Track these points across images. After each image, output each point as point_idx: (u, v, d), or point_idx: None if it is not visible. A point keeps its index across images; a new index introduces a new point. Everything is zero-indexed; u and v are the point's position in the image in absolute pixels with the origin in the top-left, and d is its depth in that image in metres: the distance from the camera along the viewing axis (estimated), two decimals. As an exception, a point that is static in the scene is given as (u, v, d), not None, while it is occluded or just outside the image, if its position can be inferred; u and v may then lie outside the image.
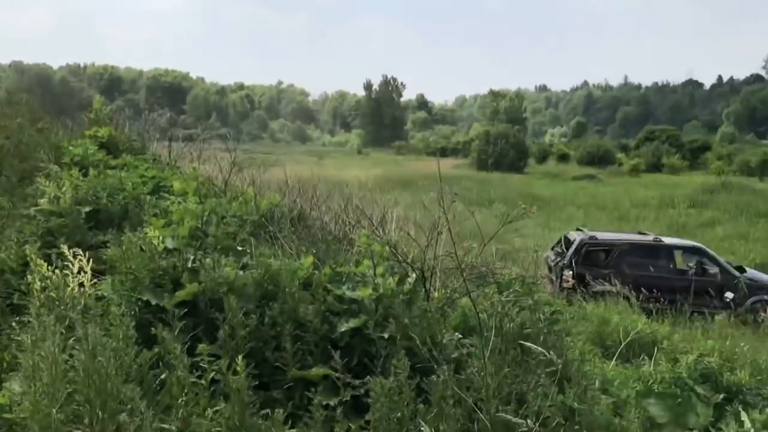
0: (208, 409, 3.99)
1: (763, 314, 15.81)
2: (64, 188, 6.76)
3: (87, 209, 6.74)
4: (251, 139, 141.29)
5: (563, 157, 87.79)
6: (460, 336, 5.01)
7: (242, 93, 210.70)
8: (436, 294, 5.87)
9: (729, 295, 17.29)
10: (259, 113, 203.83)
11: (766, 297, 17.36)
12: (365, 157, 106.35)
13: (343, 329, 4.69)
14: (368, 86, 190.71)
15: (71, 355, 4.08)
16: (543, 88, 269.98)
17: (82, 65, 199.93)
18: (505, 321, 4.95)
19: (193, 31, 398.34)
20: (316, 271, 5.27)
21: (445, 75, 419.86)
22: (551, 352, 4.42)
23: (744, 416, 5.33)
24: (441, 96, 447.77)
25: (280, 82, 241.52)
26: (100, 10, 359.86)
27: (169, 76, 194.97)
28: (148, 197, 7.25)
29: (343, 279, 5.29)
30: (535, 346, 4.46)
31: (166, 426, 3.87)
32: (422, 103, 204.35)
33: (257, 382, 4.17)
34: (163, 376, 4.29)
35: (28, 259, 5.14)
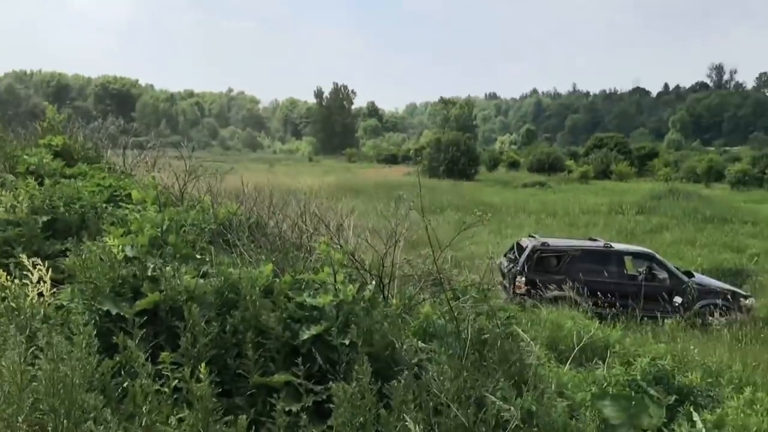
0: (172, 416, 4.00)
1: (710, 318, 16.18)
2: (20, 197, 6.71)
3: (44, 218, 6.69)
4: (201, 146, 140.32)
5: (513, 165, 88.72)
6: (420, 341, 5.10)
7: (192, 100, 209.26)
8: (394, 301, 5.95)
9: (678, 299, 17.64)
10: (209, 121, 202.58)
11: (713, 301, 17.72)
12: (316, 164, 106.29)
13: (305, 336, 4.73)
14: (319, 94, 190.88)
15: (32, 364, 4.08)
16: (493, 96, 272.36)
17: (28, 72, 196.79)
18: (463, 326, 5.04)
19: (142, 39, 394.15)
20: (276, 279, 5.30)
21: (395, 83, 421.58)
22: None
23: (696, 417, 5.49)
24: (391, 103, 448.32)
25: (230, 90, 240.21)
26: (47, 16, 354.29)
27: (118, 83, 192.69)
28: (106, 206, 7.23)
29: (303, 286, 5.35)
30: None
31: (130, 434, 3.89)
32: (373, 111, 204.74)
33: (220, 390, 4.20)
34: (125, 385, 4.30)
35: (-14, 268, 5.11)
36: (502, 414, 4.23)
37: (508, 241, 23.05)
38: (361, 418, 3.94)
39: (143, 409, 4.05)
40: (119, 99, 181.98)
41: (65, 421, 3.76)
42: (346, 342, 4.66)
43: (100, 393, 3.98)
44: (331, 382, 4.20)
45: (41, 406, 3.83)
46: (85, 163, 8.97)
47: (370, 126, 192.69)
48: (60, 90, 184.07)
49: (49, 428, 3.80)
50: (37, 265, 5.00)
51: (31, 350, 4.17)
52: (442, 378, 4.38)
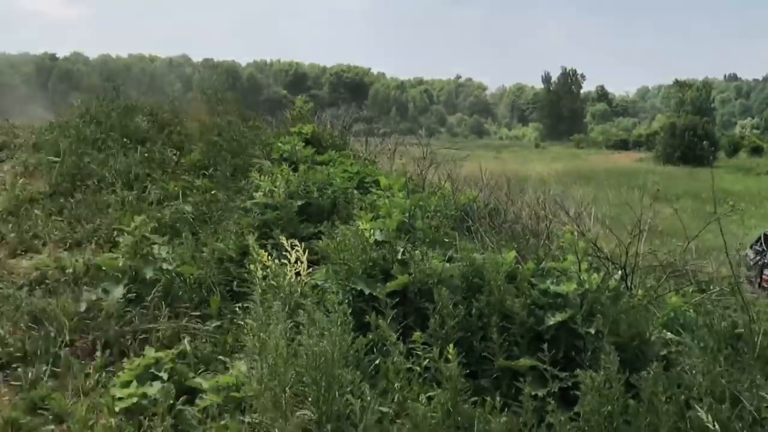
0: (422, 394, 4.16)
1: None
2: (277, 183, 7.19)
3: (299, 203, 7.15)
4: (430, 133, 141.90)
5: (756, 150, 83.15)
6: (669, 333, 4.98)
7: (421, 88, 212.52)
8: (638, 291, 5.83)
9: None
10: (438, 108, 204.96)
11: None
12: (543, 150, 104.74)
13: (550, 323, 4.77)
14: (547, 79, 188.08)
15: (292, 339, 4.38)
16: (733, 77, 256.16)
17: (268, 62, 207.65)
18: (715, 319, 4.86)
19: (373, 28, 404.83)
20: (519, 266, 5.36)
21: (626, 65, 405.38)
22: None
23: None
24: (621, 87, 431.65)
25: (458, 77, 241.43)
26: (283, 6, 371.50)
27: (352, 72, 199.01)
28: (354, 191, 7.59)
29: (544, 273, 5.37)
30: None
31: (384, 409, 4.07)
32: (602, 95, 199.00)
33: (467, 371, 4.31)
34: (377, 362, 4.52)
35: (250, 248, 5.52)
36: (761, 412, 4.05)
37: (753, 232, 21.73)
38: (609, 408, 3.91)
39: (395, 385, 4.25)
40: (352, 87, 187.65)
41: (326, 393, 4.00)
42: (592, 330, 4.65)
43: (354, 368, 4.20)
44: (577, 370, 4.19)
45: (304, 379, 4.10)
46: (333, 150, 9.43)
47: (599, 111, 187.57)
48: (297, 79, 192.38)
49: (310, 399, 4.08)
50: (295, 246, 5.35)
51: (290, 326, 4.49)
52: (693, 371, 4.27)
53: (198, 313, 6.25)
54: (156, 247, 6.89)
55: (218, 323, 6.12)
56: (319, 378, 4.01)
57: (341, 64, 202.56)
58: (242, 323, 5.41)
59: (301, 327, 4.49)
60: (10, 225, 8.58)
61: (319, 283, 5.50)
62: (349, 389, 4.02)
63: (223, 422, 4.51)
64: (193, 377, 5.18)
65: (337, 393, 3.97)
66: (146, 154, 10.36)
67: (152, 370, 5.17)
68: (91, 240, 8.02)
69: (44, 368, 5.59)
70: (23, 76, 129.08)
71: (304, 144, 9.36)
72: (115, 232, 7.75)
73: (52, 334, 5.91)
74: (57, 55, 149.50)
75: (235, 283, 6.47)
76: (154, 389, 4.95)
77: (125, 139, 10.88)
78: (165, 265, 6.55)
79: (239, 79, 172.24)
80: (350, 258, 5.26)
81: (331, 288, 5.24)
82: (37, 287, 6.92)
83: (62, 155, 10.39)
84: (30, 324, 6.11)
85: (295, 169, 8.09)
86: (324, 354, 4.05)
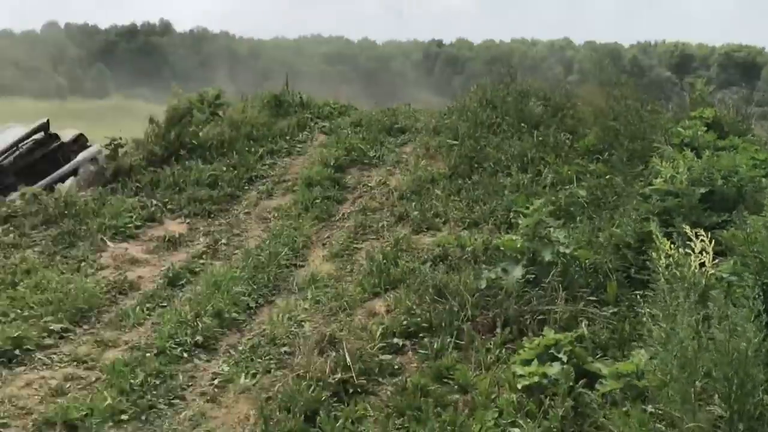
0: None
1: None
2: (679, 169, 7.00)
3: (701, 190, 6.91)
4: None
5: None
6: None
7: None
8: None
9: None
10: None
11: None
12: None
13: None
14: None
15: (698, 332, 4.23)
16: None
17: (652, 43, 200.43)
18: None
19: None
20: None
21: None
22: None
23: None
24: None
25: None
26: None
27: (743, 51, 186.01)
28: (763, 180, 7.17)
29: None
30: None
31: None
32: None
33: None
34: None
35: (653, 236, 5.43)
36: None
37: None
38: None
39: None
40: (743, 68, 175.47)
41: (738, 391, 3.84)
42: None
43: (764, 367, 3.98)
44: None
45: (713, 374, 3.96)
46: (736, 136, 8.95)
47: None
48: (683, 60, 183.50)
49: (717, 396, 3.93)
50: (700, 236, 5.16)
51: (695, 317, 4.34)
52: None
53: (594, 298, 6.31)
54: (552, 230, 7.02)
55: (615, 309, 6.13)
56: (731, 374, 3.86)
57: (731, 44, 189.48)
58: (642, 311, 5.36)
59: (710, 320, 4.34)
60: (414, 203, 9.31)
61: (724, 275, 5.27)
62: (762, 388, 3.83)
63: (624, 409, 4.51)
64: (592, 362, 5.24)
65: (743, 391, 3.80)
66: (540, 138, 10.61)
67: (551, 351, 5.31)
68: (488, 220, 8.43)
69: (448, 340, 6.02)
70: (412, 63, 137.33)
71: (705, 129, 8.99)
72: (512, 214, 8.04)
73: (455, 308, 6.33)
74: (443, 42, 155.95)
75: (632, 270, 6.43)
76: (554, 370, 5.08)
77: (521, 124, 11.20)
78: (561, 249, 6.67)
79: (621, 61, 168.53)
80: (762, 251, 4.99)
81: (744, 281, 5.00)
82: (440, 263, 7.43)
83: (460, 138, 10.99)
84: (434, 297, 6.59)
85: (697, 155, 7.80)
86: (737, 350, 3.88)
